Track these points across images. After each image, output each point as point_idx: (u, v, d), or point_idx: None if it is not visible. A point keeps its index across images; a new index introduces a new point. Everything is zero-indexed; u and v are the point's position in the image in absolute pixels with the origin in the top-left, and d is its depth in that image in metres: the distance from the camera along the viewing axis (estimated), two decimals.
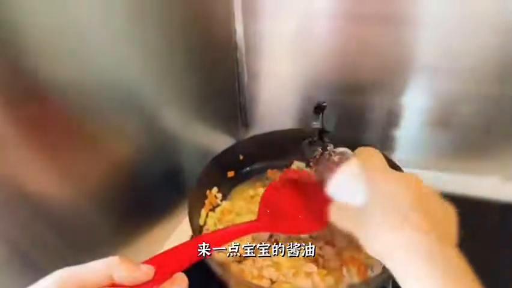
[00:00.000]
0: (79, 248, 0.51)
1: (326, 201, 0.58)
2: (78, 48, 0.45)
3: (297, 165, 0.69)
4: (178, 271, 0.36)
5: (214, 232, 0.51)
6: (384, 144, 0.78)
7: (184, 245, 0.40)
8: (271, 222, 0.51)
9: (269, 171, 0.69)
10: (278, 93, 0.81)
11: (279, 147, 0.69)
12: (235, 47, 0.75)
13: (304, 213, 0.53)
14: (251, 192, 0.65)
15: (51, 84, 0.43)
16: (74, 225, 0.49)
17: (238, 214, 0.61)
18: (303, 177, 0.58)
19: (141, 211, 0.61)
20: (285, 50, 0.76)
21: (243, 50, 0.76)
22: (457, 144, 0.74)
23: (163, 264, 0.35)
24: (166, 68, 0.60)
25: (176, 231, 0.66)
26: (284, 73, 0.78)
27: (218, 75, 0.75)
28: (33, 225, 0.44)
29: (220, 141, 0.76)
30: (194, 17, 0.64)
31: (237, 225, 0.51)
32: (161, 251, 0.61)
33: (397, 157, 0.76)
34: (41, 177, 0.44)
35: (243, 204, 0.63)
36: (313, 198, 0.58)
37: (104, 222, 0.55)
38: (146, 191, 0.61)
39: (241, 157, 0.67)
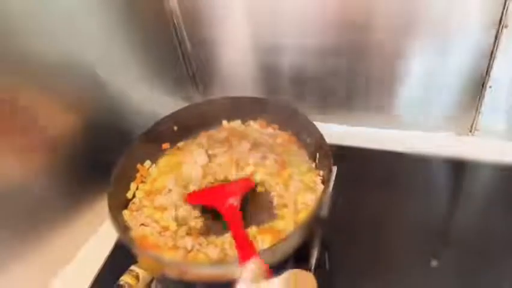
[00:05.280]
0: (29, 222, 0.55)
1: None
2: None
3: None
4: None
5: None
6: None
7: None
8: None
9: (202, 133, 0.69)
10: (230, 60, 0.80)
11: (213, 117, 0.69)
12: (170, 12, 0.73)
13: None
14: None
15: None
16: (23, 199, 0.53)
17: (163, 173, 0.64)
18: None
19: (91, 179, 0.63)
20: (229, 15, 0.73)
21: (180, 17, 0.74)
22: (407, 101, 0.72)
23: None
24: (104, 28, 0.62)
25: None
26: (231, 39, 0.76)
27: (156, 46, 0.74)
28: None
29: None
30: None
31: None
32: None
33: None
34: None
35: (166, 162, 0.65)
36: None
37: (54, 193, 0.58)
38: (98, 158, 0.63)
39: (175, 128, 0.67)
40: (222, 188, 0.60)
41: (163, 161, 0.66)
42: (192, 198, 0.59)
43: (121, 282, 0.45)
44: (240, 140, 0.67)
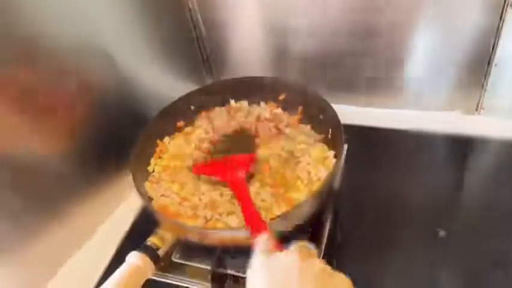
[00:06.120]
0: (54, 197, 0.57)
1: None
2: None
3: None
4: None
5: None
6: None
7: None
8: None
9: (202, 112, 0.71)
10: (244, 43, 0.82)
11: (228, 96, 0.71)
12: None
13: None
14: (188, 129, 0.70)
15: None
16: (48, 176, 0.56)
17: (178, 150, 0.66)
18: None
19: (107, 158, 0.66)
20: None
21: (195, 1, 0.76)
22: (415, 81, 0.74)
23: None
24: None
25: None
26: (245, 22, 0.78)
27: (171, 29, 0.76)
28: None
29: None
30: None
31: None
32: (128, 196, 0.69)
33: None
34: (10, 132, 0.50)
35: (178, 140, 0.68)
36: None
37: (76, 170, 0.61)
38: (115, 138, 0.65)
39: (192, 107, 0.70)
40: (228, 160, 0.61)
41: (176, 140, 0.69)
42: (197, 169, 0.61)
43: (148, 243, 0.48)
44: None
